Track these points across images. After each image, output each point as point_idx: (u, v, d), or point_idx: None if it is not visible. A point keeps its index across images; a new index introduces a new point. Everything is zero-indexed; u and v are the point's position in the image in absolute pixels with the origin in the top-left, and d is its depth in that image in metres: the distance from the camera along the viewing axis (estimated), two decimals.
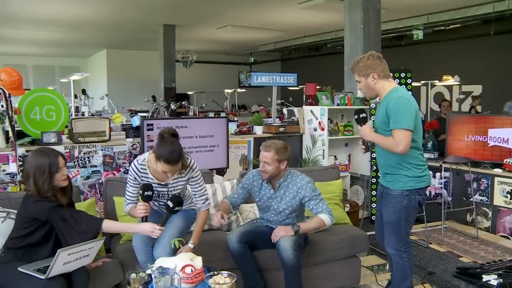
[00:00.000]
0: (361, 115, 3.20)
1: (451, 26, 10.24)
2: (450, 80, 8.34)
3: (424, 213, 4.84)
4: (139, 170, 3.02)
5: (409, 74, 5.67)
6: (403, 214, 3.08)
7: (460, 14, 9.38)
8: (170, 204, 2.91)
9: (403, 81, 5.65)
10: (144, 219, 2.95)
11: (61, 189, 2.88)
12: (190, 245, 3.06)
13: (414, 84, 5.97)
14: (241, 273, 3.27)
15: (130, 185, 3.07)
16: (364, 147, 3.30)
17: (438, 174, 5.79)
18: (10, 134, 4.21)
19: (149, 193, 2.93)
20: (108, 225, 2.90)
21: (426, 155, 5.94)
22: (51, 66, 17.86)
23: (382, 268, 4.19)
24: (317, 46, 14.22)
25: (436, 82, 8.79)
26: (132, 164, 3.05)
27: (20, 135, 4.46)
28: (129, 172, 3.08)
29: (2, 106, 4.09)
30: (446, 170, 5.63)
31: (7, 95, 4.09)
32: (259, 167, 3.42)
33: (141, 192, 2.94)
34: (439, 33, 10.78)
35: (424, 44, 11.15)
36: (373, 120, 3.36)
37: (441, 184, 5.74)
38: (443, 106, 7.48)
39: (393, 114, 2.96)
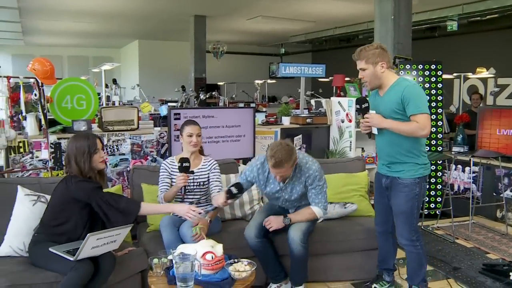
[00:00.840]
0: (363, 105, 3.16)
1: (488, 17, 9.93)
2: (484, 73, 8.10)
3: (451, 208, 4.76)
4: (168, 164, 3.58)
5: (439, 66, 5.55)
6: (416, 202, 3.13)
7: (498, 3, 9.08)
8: (234, 190, 3.16)
9: (433, 73, 5.54)
10: (183, 190, 3.31)
11: (98, 172, 3.04)
12: (207, 218, 3.22)
13: (446, 76, 5.85)
14: (262, 265, 3.31)
15: (163, 178, 3.50)
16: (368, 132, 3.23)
17: (467, 169, 5.67)
18: (43, 122, 4.34)
19: (187, 164, 3.26)
20: (146, 206, 3.07)
21: (456, 148, 5.85)
22: (85, 57, 18.26)
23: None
24: (348, 38, 14.06)
25: (470, 75, 8.56)
26: (164, 161, 3.64)
27: (51, 123, 4.60)
28: (161, 169, 3.57)
29: (36, 95, 4.23)
30: (475, 164, 5.51)
31: (40, 84, 4.22)
32: (258, 161, 3.36)
33: (179, 164, 3.28)
34: (474, 24, 10.48)
35: (458, 36, 10.86)
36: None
37: (470, 178, 5.62)
38: (473, 99, 7.30)
39: (413, 100, 2.99)
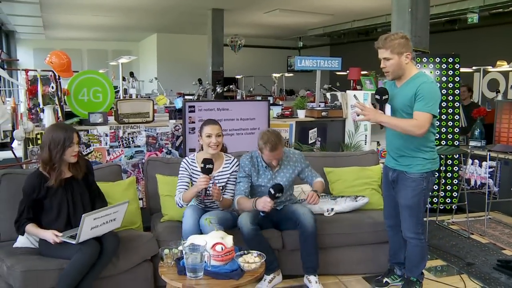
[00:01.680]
0: (383, 97, 3.10)
1: (510, 8, 9.72)
2: (505, 66, 7.96)
3: (466, 202, 4.71)
4: (189, 163, 3.49)
5: (457, 59, 5.47)
6: (422, 197, 3.12)
7: None
8: (272, 191, 3.17)
9: (450, 66, 5.46)
10: (204, 192, 3.23)
11: (71, 164, 3.04)
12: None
13: (464, 70, 5.76)
14: None
15: (182, 177, 3.46)
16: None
17: (484, 163, 5.59)
18: (60, 114, 4.42)
19: (211, 166, 3.19)
20: (29, 229, 2.94)
21: (473, 143, 5.76)
22: (104, 50, 18.46)
23: None
24: (367, 31, 13.93)
25: (489, 68, 8.42)
26: (184, 159, 3.54)
27: (67, 115, 4.67)
28: (180, 168, 3.50)
29: (53, 88, 4.30)
30: (492, 159, 5.43)
31: (57, 77, 4.29)
32: (252, 153, 3.57)
33: (202, 165, 3.21)
34: (496, 16, 10.27)
35: (479, 28, 10.67)
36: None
37: (487, 173, 5.54)
38: (461, 92, 7.10)
39: (425, 98, 2.95)
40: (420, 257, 3.25)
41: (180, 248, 2.69)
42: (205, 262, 2.58)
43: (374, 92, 3.29)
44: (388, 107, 3.14)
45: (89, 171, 3.22)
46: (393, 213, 3.33)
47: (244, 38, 13.64)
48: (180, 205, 3.37)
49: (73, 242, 2.76)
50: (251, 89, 12.92)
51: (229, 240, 2.70)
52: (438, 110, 3.02)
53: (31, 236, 3.07)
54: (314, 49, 17.41)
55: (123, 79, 7.60)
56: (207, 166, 3.18)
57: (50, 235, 2.85)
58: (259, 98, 10.44)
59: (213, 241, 2.64)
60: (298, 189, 3.94)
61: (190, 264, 2.53)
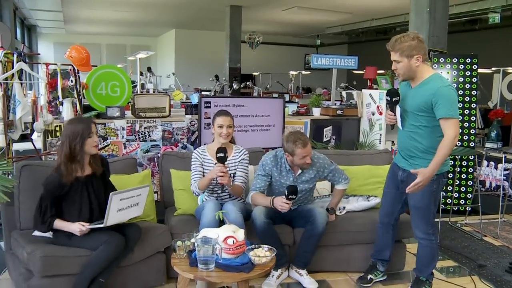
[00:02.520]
0: (394, 99, 3.09)
1: None
2: None
3: (479, 204, 4.69)
4: (200, 153, 3.63)
5: (475, 60, 5.43)
6: (433, 198, 3.11)
7: None
8: (286, 192, 3.20)
9: (468, 66, 5.43)
10: (220, 184, 3.39)
11: (93, 156, 3.10)
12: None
13: (483, 71, 5.70)
14: None
15: (195, 167, 3.57)
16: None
17: (500, 165, 5.55)
18: (78, 107, 4.51)
19: (221, 154, 3.29)
20: (56, 223, 2.99)
21: (489, 144, 5.73)
22: (123, 45, 18.67)
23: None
24: (385, 30, 13.89)
25: (509, 69, 8.31)
26: (195, 151, 3.68)
27: (85, 109, 4.76)
28: (192, 158, 3.62)
29: (72, 81, 4.39)
30: (508, 161, 5.38)
31: (76, 71, 4.38)
32: (278, 152, 3.57)
33: (216, 155, 3.31)
34: None
35: (500, 29, 10.54)
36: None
37: (502, 175, 5.50)
38: None
39: (444, 102, 2.90)
40: (430, 258, 3.24)
41: (193, 240, 2.74)
42: (217, 254, 2.63)
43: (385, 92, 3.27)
44: (398, 109, 3.14)
45: (106, 168, 3.28)
46: (390, 211, 3.35)
47: (261, 35, 13.69)
48: (196, 193, 3.49)
49: (101, 225, 2.86)
50: (268, 86, 12.96)
51: (240, 234, 2.75)
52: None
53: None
54: (331, 47, 17.38)
55: (141, 74, 7.68)
56: (219, 155, 3.29)
57: (77, 227, 2.92)
58: (275, 95, 10.48)
59: (225, 235, 2.69)
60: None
61: (202, 256, 2.58)
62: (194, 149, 4.95)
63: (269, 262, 2.73)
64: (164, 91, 10.44)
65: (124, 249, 2.97)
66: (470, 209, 5.31)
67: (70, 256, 2.88)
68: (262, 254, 2.73)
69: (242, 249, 2.72)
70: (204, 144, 3.74)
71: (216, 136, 3.56)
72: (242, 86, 9.29)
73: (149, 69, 7.54)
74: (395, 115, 3.16)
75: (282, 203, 3.22)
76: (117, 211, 2.84)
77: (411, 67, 3.01)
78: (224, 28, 12.77)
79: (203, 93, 8.38)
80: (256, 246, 2.80)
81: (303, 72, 14.06)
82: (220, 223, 3.18)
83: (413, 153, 3.11)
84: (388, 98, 3.12)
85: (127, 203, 2.90)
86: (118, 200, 2.82)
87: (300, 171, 3.52)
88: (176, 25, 16.10)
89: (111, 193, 2.78)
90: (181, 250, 2.81)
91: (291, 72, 12.98)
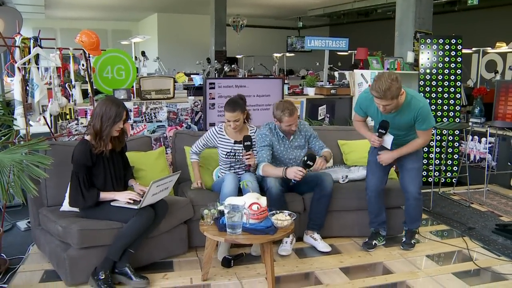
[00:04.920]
0: (386, 131, 3.51)
1: None
2: (504, 47, 8.25)
3: (467, 174, 5.07)
4: (217, 132, 3.86)
5: (459, 41, 5.77)
6: (422, 160, 3.81)
7: None
8: (305, 158, 3.52)
9: (453, 47, 5.76)
10: (247, 168, 3.70)
11: (115, 137, 3.29)
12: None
13: (465, 51, 6.05)
14: None
15: (203, 140, 3.87)
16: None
17: (483, 139, 5.93)
18: (89, 90, 4.69)
19: (248, 143, 3.62)
20: (102, 195, 3.19)
21: (473, 119, 6.11)
22: (104, 30, 18.48)
23: (427, 222, 4.48)
24: (367, 12, 14.15)
25: (489, 49, 8.71)
26: (212, 128, 3.92)
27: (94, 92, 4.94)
28: (208, 133, 3.87)
29: (83, 65, 4.56)
30: (491, 135, 5.78)
31: (87, 55, 4.55)
32: (270, 125, 3.87)
33: (244, 143, 3.64)
34: None
35: (478, 10, 10.91)
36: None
37: (486, 149, 5.89)
38: None
39: (426, 118, 3.45)
40: (420, 212, 3.85)
41: (221, 208, 3.01)
42: (244, 220, 2.90)
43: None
44: (389, 136, 3.55)
45: (124, 145, 3.50)
46: (381, 179, 3.76)
47: (246, 18, 13.81)
48: (191, 153, 3.93)
49: (136, 207, 3.07)
50: (252, 69, 13.15)
51: (263, 200, 3.03)
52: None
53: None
54: (313, 29, 17.60)
55: (135, 58, 7.81)
56: (246, 143, 3.63)
57: (126, 196, 3.16)
58: (260, 77, 10.68)
59: (250, 201, 2.96)
60: None
61: (231, 221, 2.85)
62: (198, 128, 5.22)
63: (290, 225, 3.02)
64: (149, 75, 10.56)
65: (154, 222, 3.20)
66: (456, 180, 5.70)
67: (104, 229, 3.10)
68: (283, 218, 3.01)
69: (265, 214, 3.01)
70: (221, 124, 3.94)
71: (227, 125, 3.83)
72: (231, 68, 9.47)
73: (143, 53, 7.66)
74: (380, 140, 3.57)
75: (297, 171, 3.48)
76: (152, 195, 3.07)
77: (399, 102, 3.39)
78: (208, 12, 12.84)
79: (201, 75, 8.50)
80: (277, 211, 3.08)
81: (287, 54, 14.29)
82: (239, 193, 3.46)
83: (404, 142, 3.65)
84: (383, 131, 3.52)
85: (161, 188, 3.12)
86: (155, 186, 3.03)
87: (292, 137, 3.86)
88: (159, 9, 16.06)
89: (151, 182, 2.97)
90: (208, 218, 3.07)
91: (275, 54, 13.16)
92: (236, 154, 3.75)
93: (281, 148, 3.84)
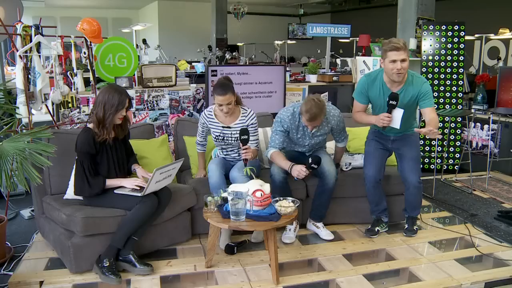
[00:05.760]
0: (397, 102, 3.42)
1: None
2: (507, 34, 8.19)
3: (469, 161, 5.07)
4: (207, 116, 3.71)
5: (462, 27, 5.73)
6: (420, 149, 3.79)
7: None
8: (310, 160, 3.41)
9: (456, 33, 5.73)
10: (245, 162, 3.47)
11: (118, 125, 3.28)
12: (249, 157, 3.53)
13: (467, 37, 6.01)
14: None
15: (200, 130, 3.78)
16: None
17: (486, 126, 5.92)
18: (91, 78, 4.67)
19: (245, 137, 3.42)
20: (108, 182, 3.19)
21: (475, 106, 6.09)
22: (104, 18, 18.35)
23: (429, 209, 4.49)
24: None
25: (491, 36, 8.65)
26: (202, 113, 3.74)
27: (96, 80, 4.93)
28: (200, 119, 3.74)
29: (85, 53, 4.54)
30: (494, 122, 5.76)
31: (89, 43, 4.53)
32: (295, 108, 3.66)
33: (240, 137, 3.43)
34: None
35: None
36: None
37: (489, 136, 5.88)
38: None
39: (430, 95, 3.47)
40: (420, 199, 3.85)
41: (225, 195, 3.01)
42: (247, 207, 2.91)
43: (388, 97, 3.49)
44: (399, 111, 3.44)
45: (127, 132, 3.49)
46: (379, 167, 3.75)
47: (246, 5, 13.73)
48: (196, 147, 3.90)
49: (139, 194, 3.08)
50: (253, 56, 13.10)
51: (267, 187, 3.03)
52: None
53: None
54: (314, 16, 17.49)
55: (136, 46, 7.77)
56: (243, 137, 3.41)
57: (131, 182, 3.16)
58: (262, 64, 10.66)
59: (253, 188, 2.96)
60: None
61: (235, 208, 2.86)
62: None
63: (293, 212, 3.02)
64: (150, 63, 10.53)
65: (158, 209, 3.21)
66: (458, 167, 5.70)
67: (108, 216, 3.10)
68: (287, 204, 3.02)
69: (269, 201, 3.01)
70: (211, 106, 3.74)
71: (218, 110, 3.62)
72: (232, 55, 9.45)
73: (144, 41, 7.62)
74: (391, 117, 3.48)
75: (300, 170, 3.39)
76: (155, 182, 3.07)
77: (408, 66, 3.43)
78: None
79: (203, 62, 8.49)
80: (280, 198, 3.09)
81: (288, 42, 14.22)
82: (227, 180, 3.51)
83: (404, 128, 3.63)
84: (394, 103, 3.43)
85: (164, 175, 3.12)
86: (159, 174, 3.03)
87: (315, 128, 3.66)
88: None
89: (155, 169, 2.97)
90: (212, 205, 3.08)
91: (276, 42, 13.10)
92: (225, 138, 3.64)
93: (298, 135, 3.73)
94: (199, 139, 3.86)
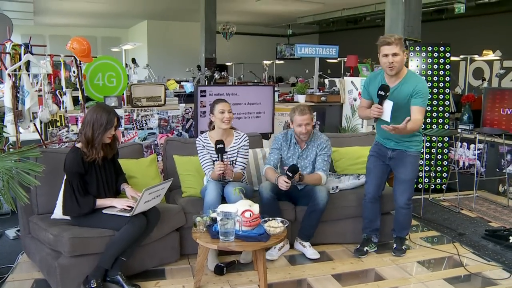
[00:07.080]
0: (387, 93, 3.38)
1: None
2: (491, 55, 8.36)
3: (457, 180, 5.12)
4: (203, 140, 3.77)
5: (448, 48, 5.84)
6: (417, 171, 3.71)
7: None
8: (286, 170, 3.49)
9: (441, 54, 5.83)
10: (222, 178, 3.57)
11: (106, 144, 3.26)
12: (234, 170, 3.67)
13: (453, 58, 6.13)
14: None
15: (203, 156, 3.73)
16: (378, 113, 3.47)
17: (472, 146, 6.00)
18: (80, 97, 4.67)
19: (221, 146, 3.49)
20: (98, 202, 3.17)
21: (462, 126, 6.17)
22: (93, 37, 18.41)
23: (417, 228, 4.51)
24: (356, 19, 14.27)
25: (476, 57, 8.82)
26: (197, 139, 3.81)
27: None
28: (197, 147, 3.77)
29: (74, 72, 4.54)
30: (480, 142, 5.84)
31: (78, 62, 4.53)
32: (289, 131, 3.88)
33: (216, 147, 3.48)
34: (482, 6, 10.67)
35: (465, 18, 11.07)
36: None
37: (475, 155, 5.96)
38: None
39: (423, 95, 3.41)
40: (409, 221, 3.87)
41: (214, 215, 3.00)
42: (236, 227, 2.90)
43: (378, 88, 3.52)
44: (389, 103, 3.41)
45: (116, 152, 3.48)
46: (378, 185, 3.78)
47: (235, 25, 13.86)
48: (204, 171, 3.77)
49: (128, 214, 3.05)
50: (241, 76, 13.18)
51: (256, 207, 3.03)
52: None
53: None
54: (303, 37, 17.70)
55: (125, 65, 7.78)
56: (219, 146, 3.47)
57: (123, 203, 3.14)
58: (251, 84, 10.74)
59: (242, 208, 2.96)
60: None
61: (224, 229, 2.85)
62: (189, 136, 5.21)
63: (282, 232, 3.02)
64: (139, 83, 10.54)
65: (146, 230, 3.18)
66: (446, 186, 5.75)
67: (96, 237, 3.07)
68: (276, 225, 3.02)
69: (258, 221, 3.01)
70: (205, 132, 3.84)
71: (218, 122, 3.67)
72: (221, 75, 9.49)
73: (133, 60, 7.63)
74: (381, 109, 3.45)
75: (282, 181, 3.46)
76: (144, 202, 3.05)
77: (403, 61, 3.43)
78: (198, 19, 12.84)
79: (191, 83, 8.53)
80: (270, 218, 3.09)
81: (277, 62, 14.35)
82: (223, 200, 3.47)
83: (402, 137, 3.57)
84: (382, 93, 3.41)
85: (153, 195, 3.11)
86: (148, 194, 3.02)
87: (305, 145, 3.82)
88: (149, 16, 16.06)
89: (143, 189, 2.95)
90: (200, 225, 3.07)
91: (265, 62, 13.23)
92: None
93: (288, 155, 3.86)
94: (208, 163, 3.70)
